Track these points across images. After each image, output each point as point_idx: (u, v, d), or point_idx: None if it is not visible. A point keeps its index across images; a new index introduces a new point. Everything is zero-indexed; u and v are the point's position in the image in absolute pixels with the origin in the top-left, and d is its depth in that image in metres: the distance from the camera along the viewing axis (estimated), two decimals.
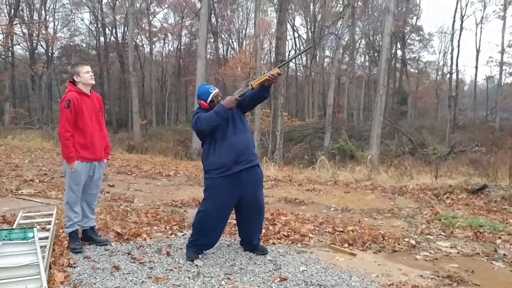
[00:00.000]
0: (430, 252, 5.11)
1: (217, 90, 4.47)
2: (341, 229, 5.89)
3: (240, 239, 4.89)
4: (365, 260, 4.75)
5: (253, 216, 4.60)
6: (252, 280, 4.00)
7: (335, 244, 5.20)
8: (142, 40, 44.16)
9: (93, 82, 4.57)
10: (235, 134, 4.33)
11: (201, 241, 4.53)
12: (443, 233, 5.96)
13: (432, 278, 4.24)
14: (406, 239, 5.55)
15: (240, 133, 4.37)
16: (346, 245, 5.21)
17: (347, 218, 6.73)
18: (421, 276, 4.30)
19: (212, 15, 37.43)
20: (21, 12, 35.38)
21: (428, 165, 14.72)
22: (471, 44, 79.10)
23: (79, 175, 4.47)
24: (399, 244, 5.35)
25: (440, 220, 6.63)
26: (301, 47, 46.00)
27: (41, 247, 3.99)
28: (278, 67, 4.31)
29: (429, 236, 5.80)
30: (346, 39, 37.16)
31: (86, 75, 4.48)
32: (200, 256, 4.52)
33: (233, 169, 4.31)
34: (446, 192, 8.84)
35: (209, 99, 4.40)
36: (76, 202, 4.56)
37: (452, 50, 40.54)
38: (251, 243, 4.75)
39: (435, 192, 8.99)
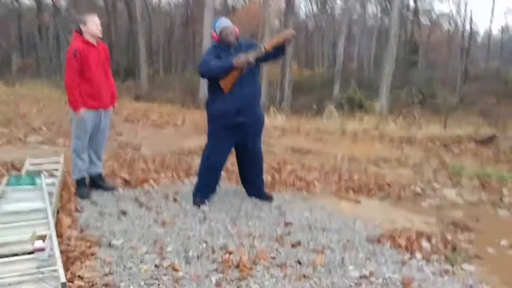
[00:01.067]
0: (436, 200, 5.12)
1: (225, 24, 4.33)
2: (347, 178, 5.88)
3: (244, 186, 4.93)
4: (370, 207, 4.78)
5: (252, 160, 4.66)
6: (257, 225, 4.04)
7: (340, 192, 5.22)
8: None
9: (101, 35, 4.49)
10: (241, 85, 4.22)
11: (206, 185, 4.60)
12: (449, 182, 5.95)
13: (436, 225, 4.26)
14: (412, 187, 5.55)
15: (248, 85, 4.27)
16: (351, 192, 5.23)
17: (353, 167, 6.71)
18: (425, 222, 4.32)
19: None
20: None
21: (437, 115, 14.59)
22: None
23: (85, 123, 4.47)
24: (404, 192, 5.36)
25: (447, 169, 6.61)
26: None
27: (48, 193, 4.04)
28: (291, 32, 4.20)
29: (435, 185, 5.79)
30: None
31: (94, 26, 4.40)
32: (206, 202, 4.56)
33: (236, 120, 4.29)
34: (455, 142, 8.79)
35: (218, 30, 4.34)
36: (83, 150, 4.58)
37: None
38: (254, 190, 4.81)
39: (443, 142, 8.92)
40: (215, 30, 4.37)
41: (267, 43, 4.19)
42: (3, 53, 32.86)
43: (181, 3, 46.32)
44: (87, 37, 4.42)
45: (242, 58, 4.06)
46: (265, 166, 6.18)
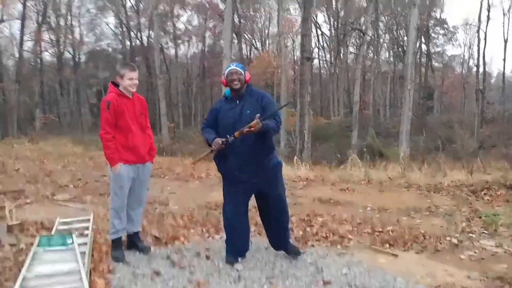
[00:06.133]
0: (475, 252, 4.96)
1: (232, 67, 4.25)
2: (380, 229, 5.75)
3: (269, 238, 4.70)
4: (408, 261, 4.64)
5: (272, 207, 4.44)
6: (295, 284, 3.94)
7: (375, 245, 5.09)
8: (167, 42, 44.45)
9: (133, 90, 4.42)
10: (243, 141, 4.05)
11: (233, 241, 4.47)
12: (485, 232, 5.78)
13: (480, 280, 4.11)
14: (448, 238, 5.39)
15: (250, 141, 4.07)
16: (387, 245, 5.10)
17: (384, 217, 6.57)
18: (468, 277, 4.17)
19: (235, 15, 37.41)
20: (48, 19, 35.89)
21: (459, 161, 14.37)
22: (498, 35, 77.40)
23: (122, 178, 4.36)
24: (441, 244, 5.21)
25: (480, 217, 6.43)
26: (325, 44, 45.88)
27: (80, 253, 3.98)
28: (261, 118, 3.93)
29: (471, 235, 5.62)
30: (370, 35, 36.71)
31: (128, 81, 4.34)
32: (240, 259, 4.45)
33: (240, 177, 4.20)
34: (483, 188, 8.56)
35: (225, 74, 4.30)
36: (121, 208, 4.46)
37: (479, 41, 39.49)
38: (278, 241, 4.59)
39: (471, 188, 8.72)
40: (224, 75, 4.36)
41: (238, 132, 3.96)
42: (27, 110, 33.59)
43: (197, 54, 47.26)
44: (122, 89, 4.39)
45: (217, 142, 4.04)
46: (294, 219, 6.14)
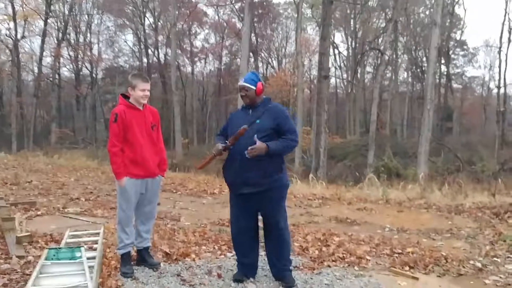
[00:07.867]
0: (500, 277, 4.70)
1: (240, 83, 4.15)
2: (400, 251, 5.52)
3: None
4: (429, 285, 4.41)
5: (271, 233, 4.17)
6: None
7: (395, 267, 4.86)
8: (184, 60, 44.76)
9: (144, 101, 4.30)
10: (238, 154, 3.94)
11: (241, 258, 4.28)
12: (511, 256, 5.51)
13: None
14: (471, 262, 5.15)
15: (244, 155, 3.88)
16: (407, 268, 4.86)
17: (404, 239, 6.34)
18: None
19: (252, 34, 37.60)
20: (68, 36, 36.48)
21: (479, 183, 14.06)
22: None
23: (128, 193, 4.23)
24: (464, 267, 4.96)
25: (505, 241, 6.16)
26: (341, 64, 45.88)
27: (88, 267, 3.84)
28: (245, 127, 3.92)
29: (495, 259, 5.36)
30: (388, 55, 36.59)
31: (140, 92, 4.22)
32: (252, 278, 4.26)
33: (242, 190, 4.00)
34: (507, 211, 8.28)
35: None
36: (128, 222, 4.33)
37: (500, 63, 38.77)
38: (274, 265, 4.24)
39: (494, 210, 8.44)
40: None
41: (230, 139, 3.99)
42: (44, 124, 34.01)
43: (213, 72, 47.54)
44: (132, 100, 4.28)
45: (217, 147, 4.05)
46: (309, 238, 5.94)
